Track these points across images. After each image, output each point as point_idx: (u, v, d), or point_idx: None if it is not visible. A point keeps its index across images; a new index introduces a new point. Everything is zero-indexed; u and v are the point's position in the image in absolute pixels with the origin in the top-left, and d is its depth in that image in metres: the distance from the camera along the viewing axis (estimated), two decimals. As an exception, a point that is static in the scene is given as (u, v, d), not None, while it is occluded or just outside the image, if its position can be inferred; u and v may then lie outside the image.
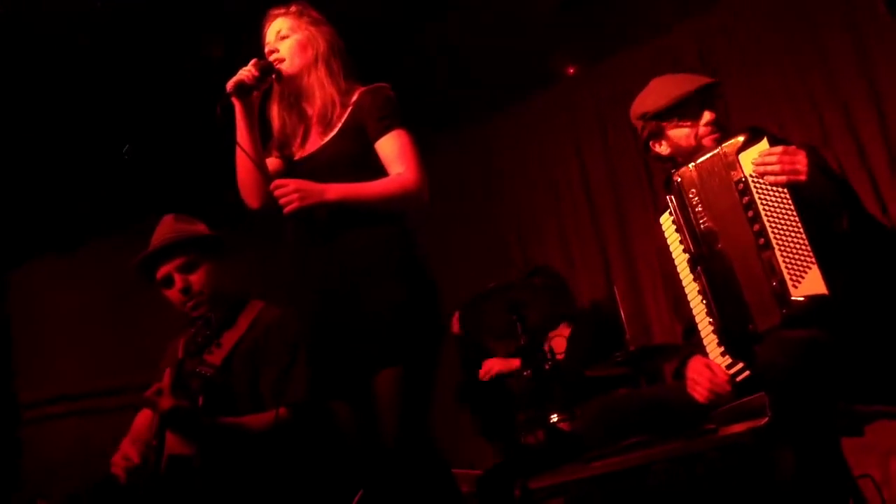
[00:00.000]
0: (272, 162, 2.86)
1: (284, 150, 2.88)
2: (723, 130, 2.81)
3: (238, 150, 2.74)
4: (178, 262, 3.14)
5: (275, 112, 2.88)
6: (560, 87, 6.39)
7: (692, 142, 2.85)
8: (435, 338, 2.67)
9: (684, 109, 2.87)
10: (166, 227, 3.22)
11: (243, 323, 3.18)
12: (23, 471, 5.79)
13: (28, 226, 5.96)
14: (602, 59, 6.14)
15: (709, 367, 2.64)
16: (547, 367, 4.45)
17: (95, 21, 4.71)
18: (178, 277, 3.13)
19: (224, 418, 2.94)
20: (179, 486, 2.88)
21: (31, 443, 5.91)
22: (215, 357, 3.10)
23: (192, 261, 3.15)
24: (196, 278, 3.14)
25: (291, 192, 2.55)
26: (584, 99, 6.28)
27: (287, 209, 2.55)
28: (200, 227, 3.26)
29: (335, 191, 2.61)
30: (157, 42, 4.95)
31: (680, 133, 2.87)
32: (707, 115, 2.84)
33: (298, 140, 2.86)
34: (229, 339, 3.14)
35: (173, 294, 3.16)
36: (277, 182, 2.58)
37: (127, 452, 3.01)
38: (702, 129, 2.84)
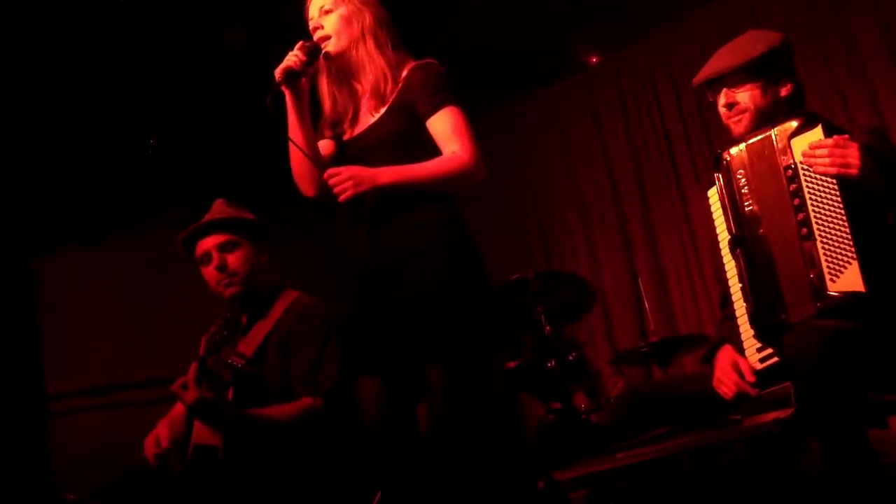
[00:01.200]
0: (324, 144, 2.81)
1: (336, 128, 2.83)
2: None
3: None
4: (219, 239, 3.19)
5: (324, 88, 2.81)
6: (581, 75, 6.35)
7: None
8: (486, 320, 2.62)
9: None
10: (216, 208, 3.30)
11: (276, 312, 3.20)
12: (50, 463, 5.84)
13: (54, 216, 6.00)
14: (623, 46, 6.10)
15: (736, 365, 2.61)
16: (571, 357, 4.43)
17: (118, 11, 4.73)
18: (216, 255, 3.18)
19: (251, 410, 2.96)
20: (203, 476, 2.90)
21: (58, 435, 5.96)
22: (247, 347, 3.12)
23: (233, 241, 3.20)
24: (233, 258, 3.18)
25: (346, 180, 2.50)
26: (606, 86, 6.24)
27: (342, 197, 2.51)
28: (247, 214, 3.32)
29: (389, 174, 2.56)
30: (182, 32, 4.96)
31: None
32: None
33: (350, 116, 2.80)
34: (261, 328, 3.17)
35: (209, 272, 3.20)
36: (331, 171, 2.53)
37: (159, 434, 3.07)
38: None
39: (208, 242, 3.20)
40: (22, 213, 5.88)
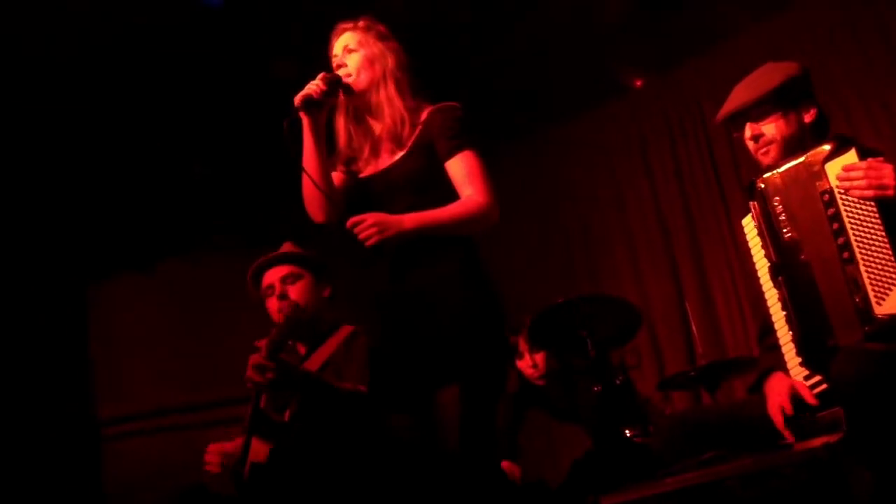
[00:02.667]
0: (336, 176, 2.88)
1: (350, 164, 2.91)
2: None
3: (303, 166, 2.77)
4: (282, 271, 3.40)
5: (341, 125, 2.90)
6: (627, 99, 6.35)
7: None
8: (500, 352, 2.71)
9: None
10: (283, 248, 3.50)
11: (332, 343, 3.35)
12: (102, 488, 5.92)
13: (106, 243, 6.12)
14: (669, 69, 6.10)
15: (794, 389, 2.57)
16: (618, 381, 4.41)
17: (168, 46, 4.85)
18: (278, 286, 3.37)
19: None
20: (259, 494, 2.97)
21: (111, 460, 6.03)
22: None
23: (295, 273, 3.40)
24: (294, 289, 3.37)
25: (370, 227, 2.57)
26: (652, 110, 6.23)
27: (368, 243, 2.57)
28: (312, 253, 3.52)
29: (412, 220, 2.63)
30: (229, 64, 5.07)
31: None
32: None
33: (365, 155, 2.87)
34: (319, 356, 3.32)
35: (272, 302, 3.38)
36: (355, 219, 2.59)
37: (223, 445, 3.24)
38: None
39: (273, 275, 3.40)
40: (74, 240, 6.00)
